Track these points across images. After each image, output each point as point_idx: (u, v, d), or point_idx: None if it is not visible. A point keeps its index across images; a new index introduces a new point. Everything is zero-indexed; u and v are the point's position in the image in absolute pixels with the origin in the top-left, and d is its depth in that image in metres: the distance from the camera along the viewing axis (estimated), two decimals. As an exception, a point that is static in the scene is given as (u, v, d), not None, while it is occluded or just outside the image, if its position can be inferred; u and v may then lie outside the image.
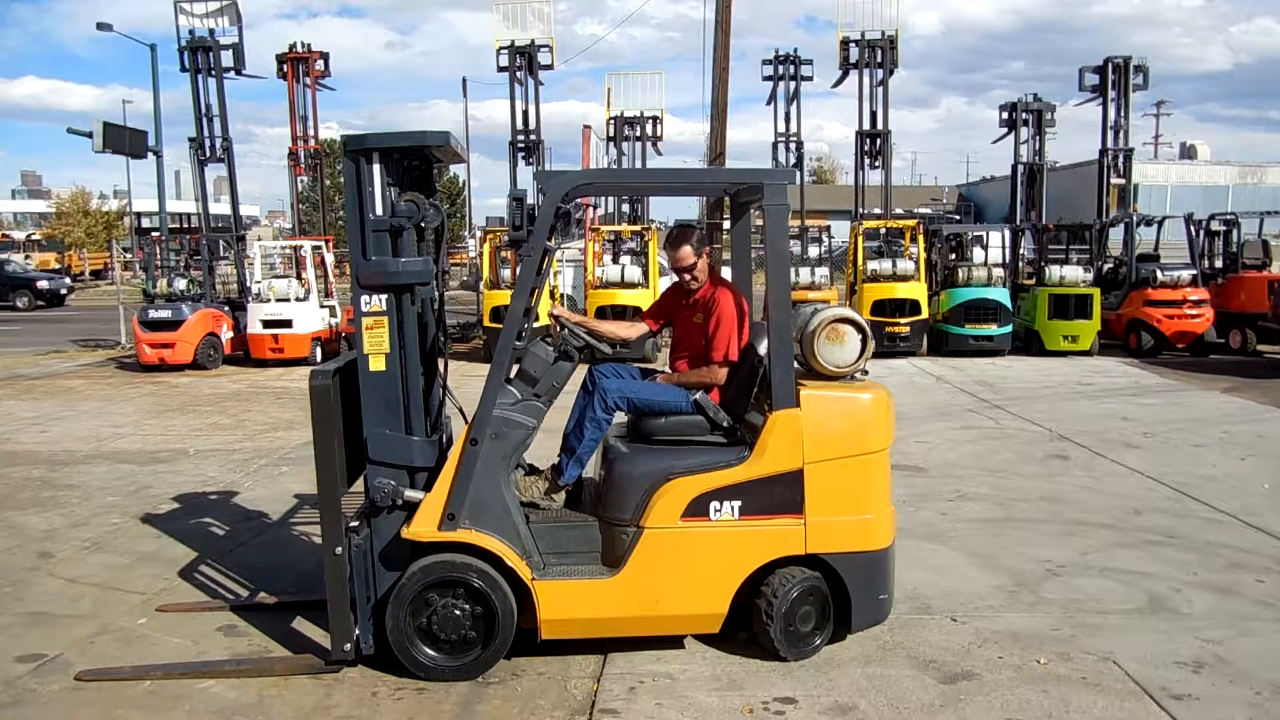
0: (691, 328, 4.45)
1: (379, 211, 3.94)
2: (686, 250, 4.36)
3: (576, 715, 3.71)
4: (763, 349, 4.14)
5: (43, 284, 28.57)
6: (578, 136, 18.10)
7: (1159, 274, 14.98)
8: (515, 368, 4.17)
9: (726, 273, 5.20)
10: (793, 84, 17.91)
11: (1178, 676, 3.97)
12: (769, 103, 18.17)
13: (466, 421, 4.08)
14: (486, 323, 14.56)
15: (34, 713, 3.78)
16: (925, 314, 14.99)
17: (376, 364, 4.01)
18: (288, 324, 14.07)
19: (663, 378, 4.40)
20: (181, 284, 14.43)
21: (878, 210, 17.93)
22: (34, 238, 45.02)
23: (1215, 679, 3.95)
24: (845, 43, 16.62)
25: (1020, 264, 17.24)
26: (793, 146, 18.11)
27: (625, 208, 19.77)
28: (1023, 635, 4.39)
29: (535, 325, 4.29)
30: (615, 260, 15.65)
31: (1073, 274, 14.96)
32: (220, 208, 28.10)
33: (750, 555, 4.03)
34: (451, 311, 6.43)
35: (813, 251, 17.12)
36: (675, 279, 4.56)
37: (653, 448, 4.17)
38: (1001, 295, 14.85)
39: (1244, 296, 15.05)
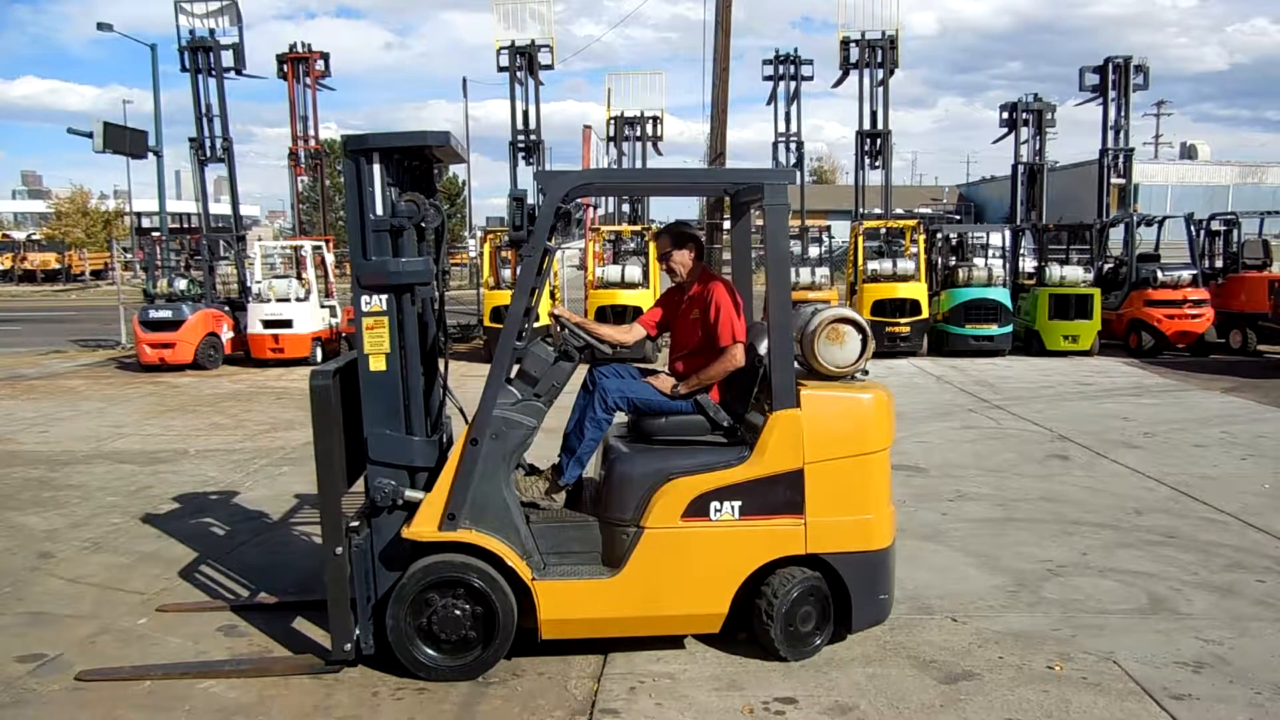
0: (689, 324, 4.45)
1: (379, 211, 3.94)
2: (664, 240, 4.55)
3: (577, 715, 3.71)
4: (763, 349, 4.14)
5: None
6: (578, 136, 18.14)
7: (1159, 274, 14.98)
8: (515, 368, 4.17)
9: (726, 273, 5.22)
10: (792, 84, 17.93)
11: (1178, 676, 3.97)
12: (769, 103, 18.18)
13: (466, 421, 4.08)
14: (486, 323, 14.57)
15: (34, 713, 3.78)
16: (925, 314, 14.98)
17: (377, 364, 4.01)
18: (288, 324, 14.06)
19: (684, 385, 4.26)
20: (182, 284, 14.44)
21: (878, 210, 17.93)
22: (34, 238, 45.04)
23: (1215, 679, 3.95)
24: (845, 43, 16.63)
25: (1020, 264, 17.23)
26: (793, 146, 18.12)
27: (625, 208, 19.79)
28: (1023, 635, 4.39)
29: (535, 325, 4.29)
30: (615, 260, 15.66)
31: (1073, 274, 14.97)
32: (220, 208, 28.18)
33: (750, 555, 4.03)
34: (451, 311, 6.43)
35: (813, 251, 17.16)
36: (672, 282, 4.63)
37: (653, 448, 4.17)
38: (1001, 295, 14.84)
39: (1244, 296, 15.04)
